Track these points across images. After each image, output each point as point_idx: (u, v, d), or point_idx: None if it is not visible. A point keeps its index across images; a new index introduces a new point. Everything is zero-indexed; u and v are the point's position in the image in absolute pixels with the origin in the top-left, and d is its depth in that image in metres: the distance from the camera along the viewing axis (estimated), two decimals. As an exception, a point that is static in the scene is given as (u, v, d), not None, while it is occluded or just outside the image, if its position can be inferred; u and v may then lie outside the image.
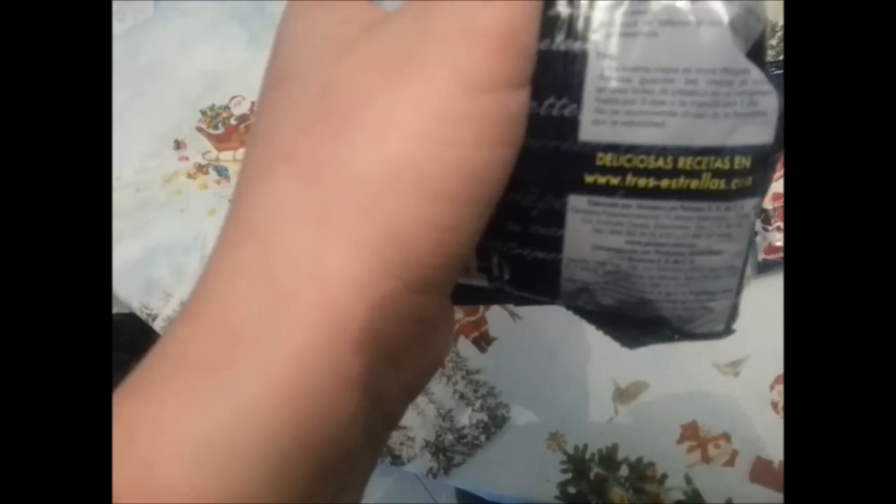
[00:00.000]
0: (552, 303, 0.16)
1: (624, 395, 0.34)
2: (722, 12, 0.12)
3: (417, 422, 0.35)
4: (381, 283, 0.11)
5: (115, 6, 0.48)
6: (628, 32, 0.12)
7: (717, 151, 0.12)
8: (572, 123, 0.12)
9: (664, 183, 0.12)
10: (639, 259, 0.14)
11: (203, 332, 0.12)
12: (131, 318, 0.40)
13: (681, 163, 0.12)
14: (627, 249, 0.13)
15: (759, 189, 0.13)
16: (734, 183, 0.13)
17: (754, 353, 0.34)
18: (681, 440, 0.33)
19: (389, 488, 0.80)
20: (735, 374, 0.34)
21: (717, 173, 0.12)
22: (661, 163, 0.12)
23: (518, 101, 0.11)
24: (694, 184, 0.12)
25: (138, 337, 0.44)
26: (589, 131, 0.12)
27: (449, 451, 0.34)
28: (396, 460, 0.34)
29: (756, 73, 0.12)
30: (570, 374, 0.35)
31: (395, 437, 0.35)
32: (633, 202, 0.13)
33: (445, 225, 0.11)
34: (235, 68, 0.45)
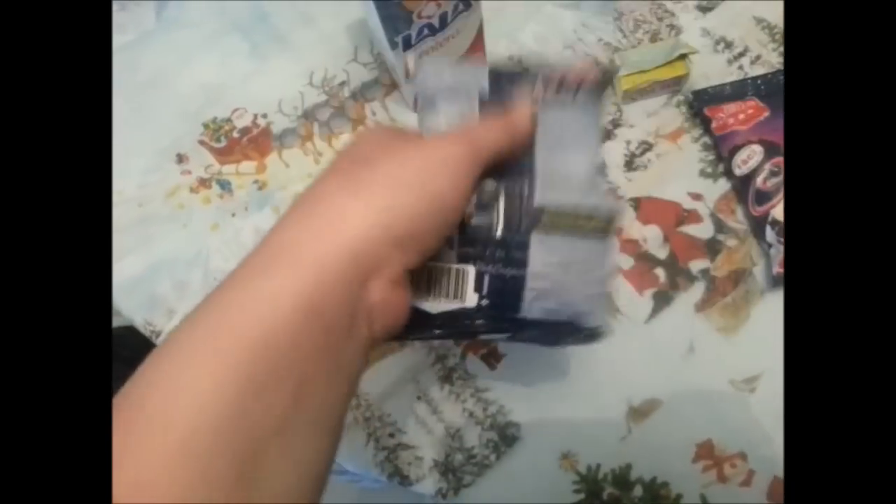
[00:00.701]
0: (506, 333, 0.24)
1: (637, 413, 0.33)
2: None
3: (426, 441, 0.34)
4: (378, 233, 0.18)
5: (117, 18, 0.47)
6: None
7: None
8: (530, 195, 0.23)
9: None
10: (568, 269, 0.23)
11: (256, 251, 0.18)
12: (132, 332, 0.40)
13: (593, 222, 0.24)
14: (563, 262, 0.23)
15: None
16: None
17: (770, 368, 0.33)
18: (696, 459, 0.32)
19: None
20: (751, 390, 0.33)
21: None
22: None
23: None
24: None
25: (141, 350, 0.44)
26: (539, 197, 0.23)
27: (458, 471, 0.33)
28: (405, 480, 0.34)
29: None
30: (582, 392, 0.34)
31: (404, 457, 0.34)
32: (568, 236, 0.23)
33: (422, 218, 0.19)
34: (237, 80, 0.45)
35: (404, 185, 0.19)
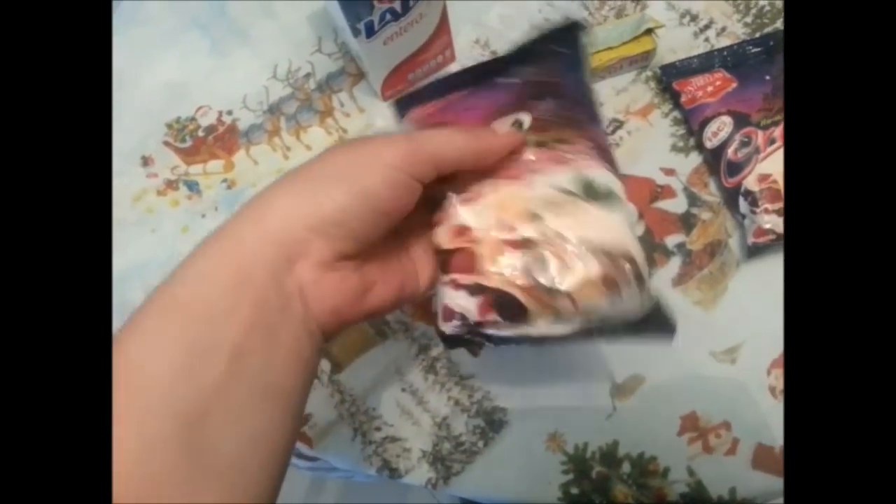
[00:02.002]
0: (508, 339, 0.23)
1: (621, 390, 0.33)
2: None
3: (413, 432, 0.34)
4: (298, 220, 0.20)
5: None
6: None
7: None
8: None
9: None
10: None
11: (204, 239, 0.20)
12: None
13: None
14: None
15: None
16: None
17: (750, 338, 0.33)
18: (681, 432, 0.32)
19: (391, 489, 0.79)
20: (732, 361, 0.33)
21: None
22: None
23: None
24: None
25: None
26: None
27: (447, 459, 0.33)
28: (394, 473, 0.33)
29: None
30: (566, 372, 0.34)
31: (392, 450, 0.34)
32: None
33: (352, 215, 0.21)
34: (200, 78, 0.43)
35: (331, 178, 0.21)
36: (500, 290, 0.22)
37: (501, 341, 0.23)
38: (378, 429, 0.34)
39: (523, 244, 0.22)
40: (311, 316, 0.20)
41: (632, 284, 0.22)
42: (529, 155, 0.24)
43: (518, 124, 0.24)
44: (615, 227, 0.23)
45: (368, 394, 0.35)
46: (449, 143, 0.22)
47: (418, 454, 0.33)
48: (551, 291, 0.22)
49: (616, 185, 0.24)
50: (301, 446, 0.34)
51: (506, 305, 0.22)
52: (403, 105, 0.27)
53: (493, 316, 0.22)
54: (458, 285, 0.22)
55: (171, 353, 0.17)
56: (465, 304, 0.22)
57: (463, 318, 0.22)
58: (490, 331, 0.23)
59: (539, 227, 0.22)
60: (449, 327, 0.23)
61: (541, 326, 0.22)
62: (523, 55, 0.25)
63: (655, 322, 0.23)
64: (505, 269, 0.22)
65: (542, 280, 0.22)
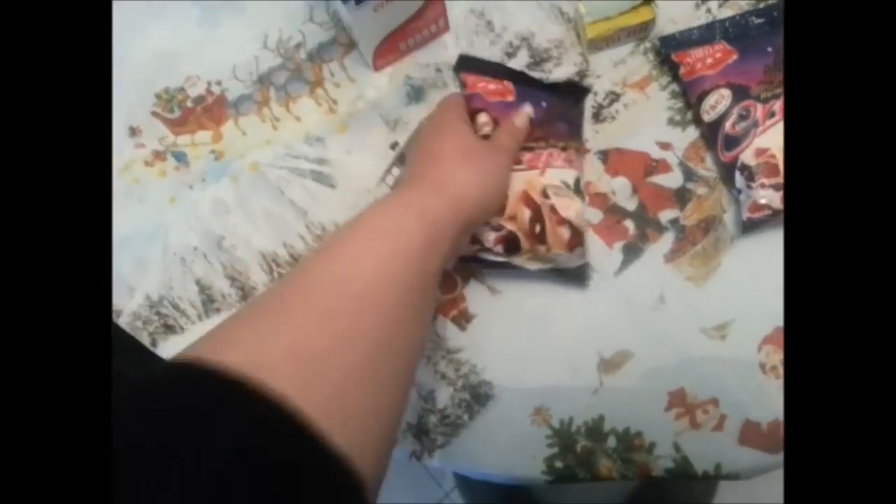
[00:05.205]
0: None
1: (609, 365, 0.33)
2: None
3: (398, 405, 0.34)
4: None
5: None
6: None
7: None
8: None
9: None
10: None
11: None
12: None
13: None
14: None
15: None
16: None
17: (741, 315, 0.33)
18: (668, 408, 0.32)
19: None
20: (722, 337, 0.33)
21: None
22: None
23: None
24: None
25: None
26: None
27: (432, 432, 0.33)
28: (379, 445, 0.33)
29: None
30: (554, 346, 0.33)
31: (377, 422, 0.34)
32: None
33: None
34: (189, 48, 0.43)
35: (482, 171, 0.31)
36: (512, 232, 0.33)
37: (488, 264, 0.34)
38: (364, 401, 0.34)
39: (533, 207, 0.33)
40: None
41: (577, 249, 0.33)
42: (546, 153, 0.35)
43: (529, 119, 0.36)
44: (579, 211, 0.34)
45: (355, 366, 0.35)
46: (521, 134, 0.34)
47: (403, 426, 0.33)
48: (539, 241, 0.33)
49: (582, 184, 0.36)
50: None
51: (510, 241, 0.33)
52: (465, 64, 0.38)
53: (499, 247, 0.33)
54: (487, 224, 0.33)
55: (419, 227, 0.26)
56: (486, 235, 0.33)
57: (481, 243, 0.33)
58: (489, 256, 0.33)
59: (546, 200, 0.34)
60: (471, 249, 0.33)
61: (522, 261, 0.33)
62: (552, 87, 0.38)
63: (581, 274, 0.34)
64: (519, 219, 0.33)
65: (537, 231, 0.33)
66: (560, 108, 0.37)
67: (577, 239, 0.33)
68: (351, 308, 0.22)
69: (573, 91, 0.38)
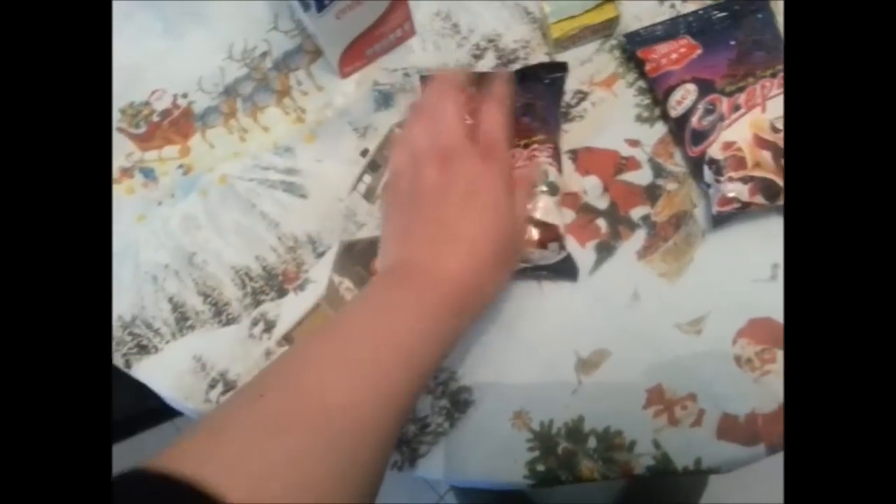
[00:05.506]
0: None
1: (586, 364, 0.33)
2: None
3: (378, 415, 0.33)
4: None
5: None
6: None
7: None
8: None
9: None
10: None
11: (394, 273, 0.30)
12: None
13: None
14: None
15: None
16: None
17: (715, 309, 0.33)
18: (647, 405, 0.32)
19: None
20: (697, 332, 0.33)
21: None
22: None
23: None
24: None
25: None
26: None
27: (413, 442, 0.33)
28: (360, 456, 0.33)
29: None
30: (531, 349, 0.33)
31: (357, 433, 0.33)
32: None
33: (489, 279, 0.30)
34: (153, 60, 0.42)
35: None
36: None
37: None
38: (343, 413, 0.34)
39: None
40: None
41: (552, 244, 0.34)
42: (532, 151, 0.35)
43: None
44: (548, 207, 0.34)
45: (333, 378, 0.34)
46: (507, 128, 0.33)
47: (384, 437, 0.33)
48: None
49: (559, 180, 0.35)
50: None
51: None
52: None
53: None
54: None
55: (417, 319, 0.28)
56: None
57: None
58: None
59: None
60: None
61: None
62: (520, 76, 0.37)
63: (567, 268, 0.34)
64: None
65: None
66: (527, 97, 0.36)
67: (549, 235, 0.33)
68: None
69: (547, 68, 0.37)
